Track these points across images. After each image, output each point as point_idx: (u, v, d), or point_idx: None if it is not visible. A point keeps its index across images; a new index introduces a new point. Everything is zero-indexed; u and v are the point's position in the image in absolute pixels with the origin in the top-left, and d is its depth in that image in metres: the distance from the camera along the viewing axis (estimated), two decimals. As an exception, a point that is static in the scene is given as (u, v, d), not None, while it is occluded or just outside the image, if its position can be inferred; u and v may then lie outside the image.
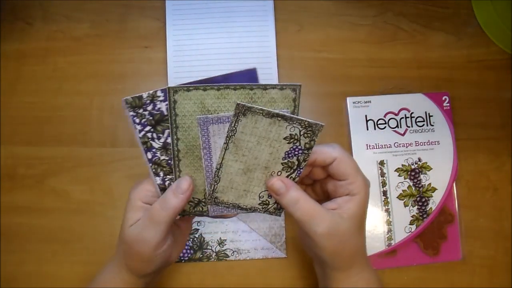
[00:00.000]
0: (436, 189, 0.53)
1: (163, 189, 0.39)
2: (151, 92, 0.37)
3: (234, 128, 0.36)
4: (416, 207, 0.53)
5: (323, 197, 0.41)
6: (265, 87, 0.36)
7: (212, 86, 0.36)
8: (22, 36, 0.56)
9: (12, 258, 0.52)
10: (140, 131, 0.37)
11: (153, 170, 0.38)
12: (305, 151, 0.37)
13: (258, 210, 0.40)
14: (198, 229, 0.53)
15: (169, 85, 0.37)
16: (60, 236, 0.52)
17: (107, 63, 0.56)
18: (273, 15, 0.56)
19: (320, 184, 0.42)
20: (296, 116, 0.36)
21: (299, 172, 0.38)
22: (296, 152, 0.37)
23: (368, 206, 0.39)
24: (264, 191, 0.39)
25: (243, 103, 0.35)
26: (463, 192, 0.54)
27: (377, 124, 0.54)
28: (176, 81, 0.54)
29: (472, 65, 0.57)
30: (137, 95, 0.36)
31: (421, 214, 0.53)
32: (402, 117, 0.54)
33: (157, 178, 0.39)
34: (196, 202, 0.40)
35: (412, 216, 0.53)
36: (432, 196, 0.53)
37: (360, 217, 0.38)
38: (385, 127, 0.54)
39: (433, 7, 0.58)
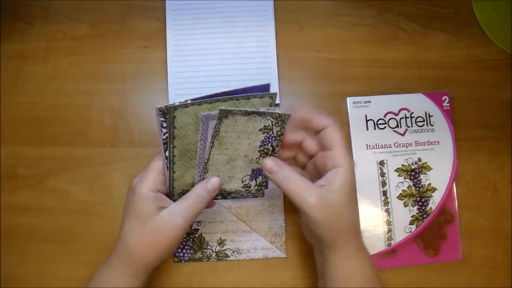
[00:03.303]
0: (436, 189, 0.53)
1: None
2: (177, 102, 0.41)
3: (218, 129, 0.42)
4: (416, 207, 0.53)
5: (316, 178, 0.43)
6: (248, 97, 0.42)
7: (205, 100, 0.40)
8: (22, 36, 0.56)
9: (12, 258, 0.52)
10: (164, 133, 0.41)
11: (167, 165, 0.43)
12: (277, 138, 0.43)
13: (242, 192, 0.46)
14: (198, 229, 0.53)
15: (169, 101, 0.44)
16: (60, 236, 0.52)
17: (107, 63, 0.56)
18: (273, 15, 0.56)
19: (313, 164, 0.44)
20: (268, 111, 0.42)
21: (274, 155, 0.44)
22: (270, 140, 0.43)
23: (354, 180, 0.41)
24: (246, 175, 0.45)
25: (225, 108, 0.40)
26: (463, 192, 0.54)
27: (377, 124, 0.54)
28: (176, 80, 0.54)
29: (472, 65, 0.57)
30: (170, 104, 0.40)
31: (421, 214, 0.53)
32: (402, 117, 0.54)
33: (167, 172, 0.43)
34: (185, 193, 0.44)
35: (412, 216, 0.53)
36: (432, 196, 0.53)
37: (348, 188, 0.40)
38: (385, 127, 0.54)
39: (433, 7, 0.58)
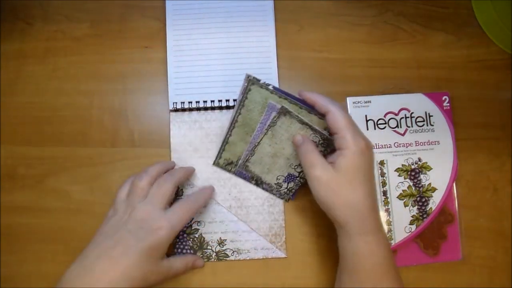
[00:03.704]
0: (436, 189, 0.53)
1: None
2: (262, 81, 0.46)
3: (275, 122, 0.48)
4: (416, 207, 0.53)
5: None
6: (309, 111, 0.46)
7: (276, 92, 0.46)
8: (22, 36, 0.56)
9: (12, 258, 0.52)
10: (240, 97, 0.47)
11: (229, 126, 0.50)
12: None
13: (273, 188, 0.53)
14: (198, 229, 0.53)
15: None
16: (60, 236, 0.52)
17: (107, 63, 0.56)
18: (273, 15, 0.56)
19: None
20: (319, 129, 0.47)
21: None
22: None
23: (364, 163, 0.43)
24: (281, 175, 0.52)
25: (285, 107, 0.46)
26: (463, 192, 0.54)
27: (377, 124, 0.54)
28: (176, 80, 0.54)
29: (472, 65, 0.57)
30: (253, 77, 0.46)
31: (421, 214, 0.53)
32: (402, 117, 0.54)
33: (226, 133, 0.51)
34: (229, 162, 0.53)
35: (412, 216, 0.53)
36: (432, 196, 0.53)
37: (350, 171, 0.42)
38: (385, 127, 0.54)
39: (433, 7, 0.58)
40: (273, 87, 0.46)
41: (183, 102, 0.54)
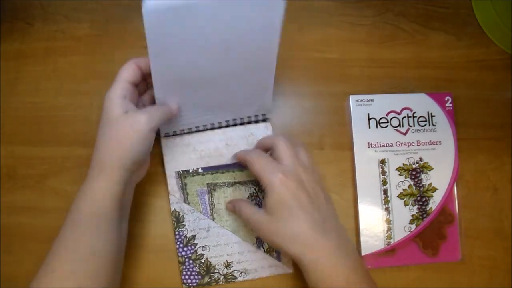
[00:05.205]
0: (437, 189, 0.53)
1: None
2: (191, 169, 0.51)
3: (212, 202, 0.50)
4: (416, 206, 0.53)
5: None
6: (241, 170, 0.50)
7: (208, 172, 0.50)
8: (22, 36, 0.56)
9: (12, 258, 0.52)
10: (182, 196, 0.51)
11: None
12: None
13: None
14: (204, 254, 0.51)
15: (176, 171, 0.51)
16: (60, 236, 0.52)
17: (107, 63, 0.56)
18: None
19: None
20: (247, 179, 0.49)
21: None
22: (261, 206, 0.47)
23: (288, 192, 0.42)
24: (253, 244, 0.51)
25: (209, 182, 0.50)
26: (463, 192, 0.54)
27: (379, 123, 0.54)
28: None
29: (472, 65, 0.57)
30: (183, 170, 0.50)
31: (421, 213, 0.53)
32: (405, 117, 0.54)
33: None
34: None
35: (412, 216, 0.53)
36: (432, 196, 0.53)
37: (277, 206, 0.42)
38: (387, 126, 0.54)
39: (433, 7, 0.58)
40: (202, 168, 0.49)
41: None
